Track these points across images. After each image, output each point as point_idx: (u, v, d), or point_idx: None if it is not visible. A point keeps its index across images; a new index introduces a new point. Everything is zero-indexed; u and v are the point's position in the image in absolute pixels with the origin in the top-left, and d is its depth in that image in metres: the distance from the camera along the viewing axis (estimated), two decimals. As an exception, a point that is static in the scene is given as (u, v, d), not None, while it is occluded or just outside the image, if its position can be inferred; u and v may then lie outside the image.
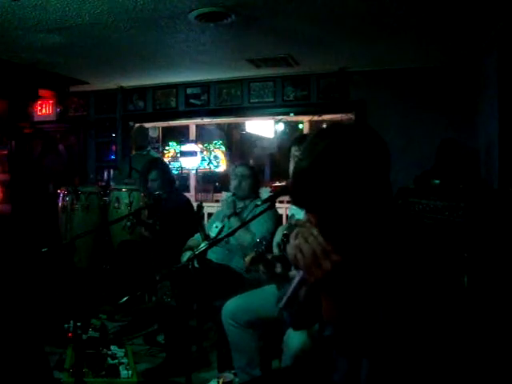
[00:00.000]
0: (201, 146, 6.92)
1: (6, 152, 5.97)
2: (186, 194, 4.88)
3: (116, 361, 2.70)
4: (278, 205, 4.51)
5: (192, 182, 6.97)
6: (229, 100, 5.67)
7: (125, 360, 2.72)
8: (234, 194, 3.25)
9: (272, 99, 5.49)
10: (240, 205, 3.24)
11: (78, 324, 2.55)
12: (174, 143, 6.96)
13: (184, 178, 7.02)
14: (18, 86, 5.31)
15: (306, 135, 2.46)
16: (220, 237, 2.73)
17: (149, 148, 5.32)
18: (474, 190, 3.19)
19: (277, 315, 1.16)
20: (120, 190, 4.41)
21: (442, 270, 1.11)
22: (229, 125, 8.21)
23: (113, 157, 6.22)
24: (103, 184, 5.45)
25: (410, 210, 3.07)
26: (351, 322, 1.06)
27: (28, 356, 2.07)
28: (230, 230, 2.45)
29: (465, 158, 4.12)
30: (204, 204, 4.18)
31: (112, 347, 2.86)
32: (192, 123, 6.69)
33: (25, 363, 2.03)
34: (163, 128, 6.89)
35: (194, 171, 6.90)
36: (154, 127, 6.45)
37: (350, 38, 4.03)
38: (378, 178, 1.11)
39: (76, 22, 3.58)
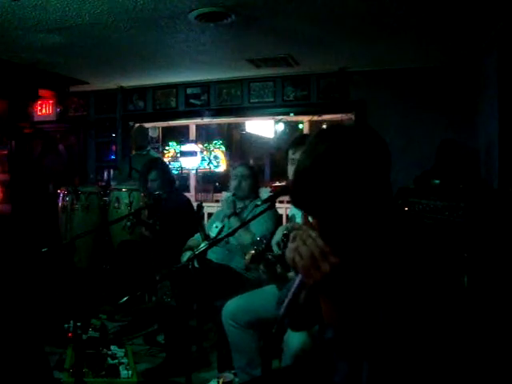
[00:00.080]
0: (201, 145, 6.92)
1: (5, 152, 5.97)
2: (186, 194, 4.88)
3: (116, 361, 2.70)
4: (277, 205, 4.51)
5: (192, 182, 6.97)
6: (229, 100, 5.67)
7: (125, 360, 2.73)
8: (233, 194, 3.25)
9: (272, 99, 5.49)
10: (240, 205, 3.24)
11: (78, 324, 2.55)
12: (174, 143, 6.96)
13: (184, 178, 7.02)
14: (17, 86, 5.31)
15: (302, 138, 2.44)
16: (220, 237, 2.73)
17: (149, 148, 5.32)
18: (473, 190, 3.19)
19: (278, 321, 1.15)
20: (120, 189, 4.41)
21: (442, 271, 1.11)
22: (229, 125, 8.22)
23: (113, 157, 6.22)
24: (103, 184, 5.45)
25: (410, 210, 3.07)
26: (351, 325, 1.06)
27: (28, 356, 2.07)
28: (230, 230, 2.45)
29: (465, 158, 4.13)
30: (204, 204, 4.18)
31: (112, 347, 2.86)
32: (192, 123, 6.69)
33: (25, 363, 2.03)
34: (163, 128, 6.89)
35: (194, 171, 6.90)
36: (153, 127, 6.45)
37: (350, 37, 4.03)
38: (379, 179, 1.11)
39: (76, 22, 3.58)
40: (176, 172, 6.66)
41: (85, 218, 4.33)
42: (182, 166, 6.81)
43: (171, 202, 3.75)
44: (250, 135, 8.05)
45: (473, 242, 2.67)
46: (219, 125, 7.68)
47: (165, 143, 6.95)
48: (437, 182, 3.63)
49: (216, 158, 7.00)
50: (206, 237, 3.18)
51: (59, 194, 4.45)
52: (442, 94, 4.79)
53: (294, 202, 1.17)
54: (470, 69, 4.65)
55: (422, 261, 1.10)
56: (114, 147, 6.20)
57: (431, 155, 4.07)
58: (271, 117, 6.37)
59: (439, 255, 1.14)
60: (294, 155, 2.36)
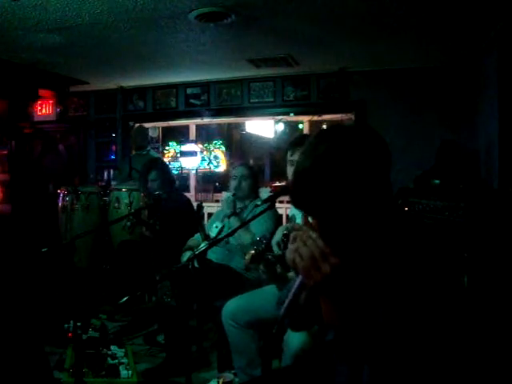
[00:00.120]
0: (201, 145, 6.92)
1: (5, 152, 5.96)
2: (186, 194, 4.88)
3: (116, 361, 2.70)
4: (277, 205, 4.51)
5: (192, 182, 6.97)
6: (229, 100, 5.67)
7: (125, 360, 2.73)
8: (233, 194, 3.25)
9: (272, 99, 5.49)
10: (240, 205, 3.24)
11: (78, 324, 2.56)
12: (174, 143, 6.96)
13: (184, 178, 7.02)
14: (18, 86, 5.31)
15: (300, 139, 2.43)
16: (220, 237, 2.73)
17: (149, 148, 5.32)
18: (474, 190, 3.19)
19: (278, 322, 1.15)
20: (120, 189, 4.41)
21: (442, 271, 1.11)
22: (229, 125, 8.22)
23: (113, 157, 6.22)
24: (103, 184, 5.45)
25: (410, 210, 3.07)
26: (351, 326, 1.06)
27: (28, 356, 2.07)
28: (230, 230, 2.45)
29: (465, 158, 4.12)
30: (204, 204, 4.18)
31: (112, 347, 2.86)
32: (192, 123, 6.69)
33: (25, 363, 2.03)
34: (163, 128, 6.89)
35: (194, 171, 6.90)
36: (153, 127, 6.45)
37: (350, 37, 4.03)
38: (379, 179, 1.11)
39: (76, 22, 3.58)
40: (176, 172, 6.66)
41: (85, 217, 4.33)
42: (182, 166, 6.81)
43: (171, 202, 3.75)
44: (250, 135, 8.05)
45: (473, 242, 2.67)
46: (219, 125, 7.68)
47: (165, 143, 6.95)
48: (437, 182, 3.63)
49: (216, 158, 7.00)
50: (206, 237, 3.18)
51: (59, 194, 4.45)
52: (442, 94, 4.79)
53: (294, 203, 1.17)
54: (470, 69, 4.65)
55: (422, 261, 1.10)
56: (114, 147, 6.20)
57: (431, 155, 4.07)
58: (271, 117, 6.37)
59: (439, 255, 1.14)
60: (292, 157, 2.36)
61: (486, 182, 3.98)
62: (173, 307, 2.87)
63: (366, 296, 1.08)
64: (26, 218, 5.36)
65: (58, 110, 6.38)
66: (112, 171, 6.08)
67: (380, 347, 1.04)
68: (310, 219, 1.24)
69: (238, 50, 4.43)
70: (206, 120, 6.33)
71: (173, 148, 6.92)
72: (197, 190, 6.92)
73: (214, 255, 3.09)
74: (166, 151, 6.90)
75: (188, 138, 6.84)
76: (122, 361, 2.71)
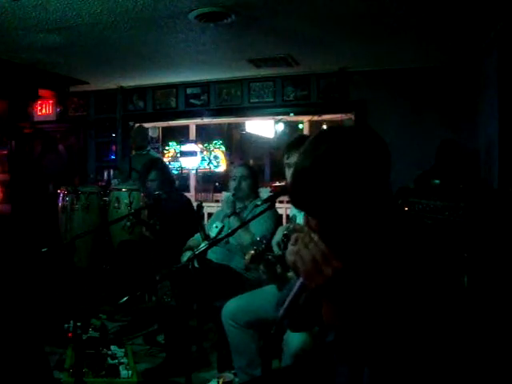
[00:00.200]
0: (201, 145, 6.92)
1: (5, 152, 5.96)
2: (186, 194, 4.88)
3: (116, 361, 2.70)
4: (277, 205, 4.51)
5: (192, 182, 6.97)
6: (229, 100, 5.67)
7: (125, 360, 2.73)
8: (233, 194, 3.25)
9: (272, 99, 5.49)
10: (240, 205, 3.24)
11: (78, 324, 2.56)
12: (174, 143, 6.96)
13: (184, 178, 7.03)
14: (18, 86, 5.31)
15: (296, 142, 2.42)
16: (220, 237, 2.73)
17: (148, 148, 5.32)
18: (474, 190, 3.19)
19: (277, 322, 1.15)
20: (120, 189, 4.41)
21: (442, 271, 1.11)
22: (229, 125, 8.22)
23: (113, 157, 6.22)
24: (103, 184, 5.45)
25: (410, 210, 3.07)
26: (352, 327, 1.06)
27: (28, 356, 2.07)
28: (230, 230, 2.45)
29: (465, 158, 4.13)
30: (204, 204, 4.19)
31: (112, 347, 2.86)
32: (192, 123, 6.69)
33: (25, 363, 2.03)
34: (163, 128, 6.89)
35: (194, 171, 6.91)
36: (153, 127, 6.45)
37: (350, 37, 4.03)
38: (379, 180, 1.11)
39: (76, 22, 3.58)
40: (176, 172, 6.66)
41: (85, 217, 4.33)
42: (182, 166, 6.82)
43: (171, 202, 3.75)
44: (250, 135, 8.05)
45: (473, 242, 2.67)
46: (219, 125, 7.68)
47: (165, 143, 6.96)
48: (437, 182, 3.63)
49: (216, 158, 7.00)
50: (206, 237, 3.18)
51: (59, 193, 4.45)
52: (442, 94, 4.79)
53: (293, 202, 1.17)
54: (470, 69, 4.65)
55: (422, 262, 1.09)
56: (114, 147, 6.21)
57: (431, 155, 4.07)
58: (271, 117, 6.37)
59: (439, 255, 1.13)
60: (289, 159, 2.36)
61: (486, 182, 3.98)
62: (173, 307, 2.87)
63: (366, 297, 1.08)
64: (26, 218, 5.35)
65: (58, 109, 6.38)
66: (112, 171, 6.08)
67: (380, 348, 1.04)
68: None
69: (238, 50, 4.43)
70: (206, 120, 6.33)
71: (173, 148, 6.92)
72: (197, 190, 6.92)
73: (213, 255, 3.09)
74: (166, 151, 6.90)
75: (188, 138, 6.84)
76: (122, 361, 2.71)
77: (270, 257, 1.92)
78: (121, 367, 2.62)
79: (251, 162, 8.62)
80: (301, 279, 1.08)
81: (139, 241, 3.92)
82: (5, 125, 5.87)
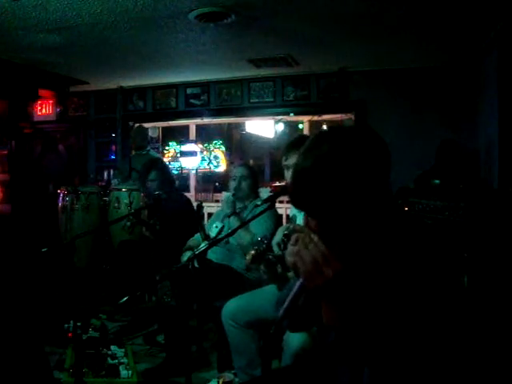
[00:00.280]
0: (201, 145, 6.92)
1: (5, 152, 5.95)
2: (186, 194, 4.88)
3: (116, 361, 2.70)
4: (277, 205, 4.51)
5: (192, 182, 6.97)
6: (229, 100, 5.67)
7: (125, 360, 2.73)
8: (233, 194, 3.25)
9: (272, 99, 5.49)
10: (240, 205, 3.24)
11: (78, 324, 2.56)
12: (174, 143, 6.97)
13: (184, 178, 7.03)
14: (18, 86, 5.31)
15: (293, 144, 2.40)
16: (220, 237, 2.73)
17: (148, 148, 5.32)
18: (474, 190, 3.19)
19: (276, 323, 1.15)
20: (120, 190, 4.41)
21: (442, 272, 1.11)
22: (229, 125, 8.22)
23: (113, 157, 6.22)
24: (103, 184, 5.46)
25: (410, 210, 3.07)
26: (351, 328, 1.05)
27: (28, 356, 2.07)
28: (230, 230, 2.45)
29: (465, 158, 4.13)
30: (204, 204, 4.19)
31: (112, 347, 2.86)
32: (192, 123, 6.69)
33: (25, 363, 2.03)
34: (163, 128, 6.89)
35: (194, 171, 6.91)
36: (153, 127, 6.46)
37: (349, 38, 4.03)
38: (379, 180, 1.11)
39: (76, 22, 3.58)
40: (176, 172, 6.67)
41: (85, 217, 4.33)
42: (182, 166, 6.82)
43: (171, 202, 3.75)
44: (250, 135, 8.05)
45: (473, 242, 2.67)
46: (219, 125, 7.68)
47: (165, 143, 6.96)
48: (437, 182, 3.63)
49: (216, 158, 7.00)
50: (206, 237, 3.18)
51: (59, 193, 4.45)
52: (442, 93, 4.79)
53: (294, 203, 1.17)
54: (470, 69, 4.65)
55: (422, 262, 1.09)
56: (114, 147, 6.20)
57: (431, 155, 4.07)
58: (271, 117, 6.37)
59: (439, 255, 1.13)
60: (287, 161, 2.36)
61: (486, 182, 3.98)
62: (173, 307, 2.87)
63: (366, 298, 1.08)
64: (26, 218, 5.35)
65: (58, 109, 6.38)
66: (112, 171, 6.08)
67: (380, 349, 1.04)
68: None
69: (238, 50, 4.43)
70: (206, 120, 6.33)
71: (173, 148, 6.93)
72: (197, 190, 6.93)
73: (214, 255, 3.09)
74: (166, 151, 6.91)
75: (188, 138, 6.85)
76: (122, 361, 2.71)
77: (270, 257, 1.92)
78: (121, 367, 2.63)
79: (251, 162, 8.62)
80: (300, 280, 1.08)
81: (139, 241, 3.92)
82: (5, 125, 5.86)
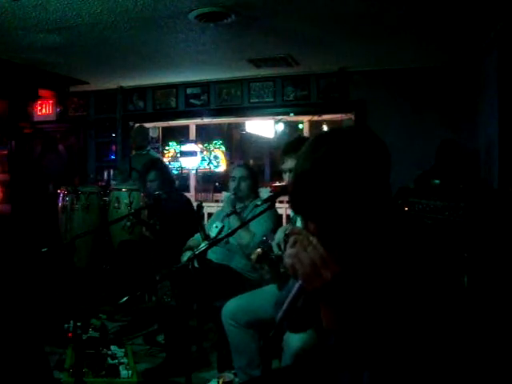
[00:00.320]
0: (201, 145, 6.92)
1: (6, 152, 5.95)
2: (186, 194, 4.88)
3: (116, 361, 2.70)
4: (277, 205, 4.51)
5: (192, 182, 6.97)
6: (229, 100, 5.67)
7: (125, 360, 2.73)
8: (234, 194, 3.24)
9: (272, 99, 5.49)
10: (240, 205, 3.25)
11: (78, 324, 2.56)
12: (174, 143, 6.97)
13: (184, 178, 7.03)
14: (18, 86, 5.31)
15: (289, 147, 2.39)
16: (220, 237, 2.73)
17: (148, 148, 5.32)
18: (474, 190, 3.19)
19: (275, 325, 1.15)
20: (120, 189, 4.41)
21: (442, 273, 1.10)
22: (229, 125, 8.22)
23: (113, 157, 6.22)
24: (103, 184, 5.46)
25: (410, 210, 3.07)
26: (351, 331, 1.05)
27: (28, 356, 2.07)
28: (230, 230, 2.45)
29: (465, 158, 4.13)
30: (204, 204, 4.19)
31: (112, 347, 2.86)
32: (192, 123, 6.69)
33: (25, 363, 2.03)
34: (163, 128, 6.89)
35: (194, 171, 6.91)
36: (153, 127, 6.46)
37: (349, 38, 4.03)
38: (379, 182, 1.10)
39: (76, 22, 3.58)
40: (176, 172, 6.67)
41: (85, 217, 4.33)
42: (182, 166, 6.82)
43: (171, 202, 3.75)
44: (250, 135, 8.05)
45: (473, 241, 2.67)
46: (219, 125, 7.68)
47: (165, 143, 6.96)
48: (437, 182, 3.63)
49: (216, 158, 7.00)
50: (206, 237, 3.18)
51: (59, 194, 4.45)
52: (442, 93, 4.79)
53: (293, 207, 1.16)
54: (470, 69, 4.65)
55: (422, 264, 1.09)
56: (114, 147, 6.20)
57: (431, 155, 4.07)
58: (271, 117, 6.37)
59: (439, 256, 1.13)
60: (284, 165, 2.36)
61: (486, 182, 3.98)
62: (173, 307, 2.87)
63: (365, 301, 1.08)
64: (26, 218, 5.35)
65: (58, 109, 6.38)
66: (112, 171, 6.08)
67: (380, 352, 1.04)
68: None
69: (238, 50, 4.43)
70: (206, 120, 6.33)
71: (173, 148, 6.93)
72: (197, 190, 6.93)
73: (214, 255, 3.10)
74: (166, 151, 6.91)
75: (188, 138, 6.85)
76: (122, 361, 2.71)
77: (273, 257, 1.92)
78: (121, 367, 2.63)
79: (251, 162, 8.62)
80: (299, 282, 1.07)
81: (139, 241, 3.92)
82: (5, 125, 5.86)
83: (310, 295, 1.09)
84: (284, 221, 5.15)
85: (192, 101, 5.83)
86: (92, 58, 4.68)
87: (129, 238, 3.96)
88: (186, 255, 3.14)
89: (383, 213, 1.12)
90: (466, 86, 4.69)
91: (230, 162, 7.10)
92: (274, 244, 2.07)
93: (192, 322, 3.15)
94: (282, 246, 1.96)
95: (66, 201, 4.37)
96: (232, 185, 3.26)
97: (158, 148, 6.55)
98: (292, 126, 7.01)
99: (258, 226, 2.92)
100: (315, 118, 6.19)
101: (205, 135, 7.37)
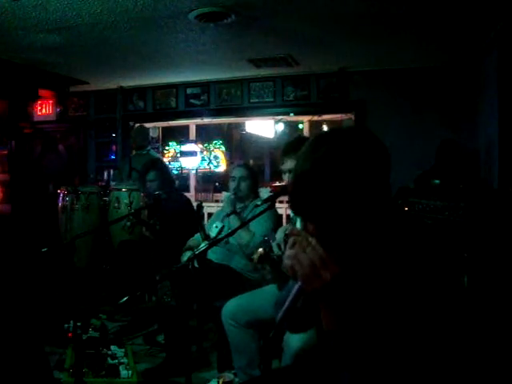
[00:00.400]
0: (201, 145, 6.92)
1: (6, 152, 5.96)
2: (186, 194, 4.88)
3: (116, 361, 2.70)
4: (277, 205, 4.51)
5: (192, 182, 6.97)
6: (229, 100, 5.67)
7: (125, 360, 2.73)
8: (235, 194, 3.24)
9: (272, 99, 5.49)
10: (240, 205, 3.25)
11: (78, 324, 2.56)
12: (174, 143, 6.96)
13: (184, 178, 7.02)
14: (18, 86, 5.31)
15: (291, 147, 2.40)
16: (220, 237, 2.73)
17: (149, 148, 5.32)
18: (474, 190, 3.19)
19: (275, 326, 1.15)
20: (120, 189, 4.41)
21: (442, 273, 1.10)
22: (229, 125, 8.22)
23: (113, 157, 6.22)
24: (103, 184, 5.45)
25: (410, 210, 3.07)
26: (350, 332, 1.05)
27: (28, 356, 2.07)
28: (230, 230, 2.45)
29: (465, 158, 4.13)
30: (204, 204, 4.18)
31: (112, 347, 2.86)
32: (192, 123, 6.69)
33: (25, 363, 2.03)
34: (163, 128, 6.89)
35: (194, 171, 6.90)
36: (153, 127, 6.45)
37: (349, 38, 4.03)
38: (379, 182, 1.10)
39: (76, 22, 3.58)
40: (176, 172, 6.66)
41: (85, 217, 4.33)
42: (182, 166, 6.81)
43: (171, 202, 3.75)
44: (250, 135, 8.05)
45: (473, 241, 2.67)
46: (219, 125, 7.68)
47: (165, 143, 6.95)
48: (437, 181, 3.63)
49: (216, 158, 7.00)
50: (206, 237, 3.18)
51: (59, 193, 4.45)
52: (442, 93, 4.79)
53: (293, 207, 1.16)
54: (470, 69, 4.65)
55: (421, 264, 1.08)
56: (114, 147, 6.20)
57: (431, 155, 4.07)
58: (271, 117, 6.37)
59: (439, 256, 1.13)
60: (284, 165, 2.37)
61: (486, 182, 3.98)
62: (173, 307, 2.87)
63: (365, 302, 1.07)
64: (26, 218, 5.35)
65: (58, 109, 6.38)
66: (112, 171, 6.08)
67: (380, 353, 1.04)
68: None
69: (238, 50, 4.43)
70: (206, 120, 6.33)
71: (173, 148, 6.92)
72: (197, 190, 6.92)
73: (214, 255, 3.09)
74: (166, 151, 6.90)
75: (188, 138, 6.84)
76: (122, 361, 2.71)
77: (275, 257, 1.92)
78: (121, 367, 2.63)
79: (251, 162, 8.61)
80: (299, 283, 1.07)
81: (139, 241, 3.92)
82: (5, 125, 5.86)
83: (310, 296, 1.09)
84: (284, 221, 5.15)
85: (192, 101, 5.83)
86: (92, 58, 4.68)
87: (129, 237, 3.96)
88: (186, 255, 3.14)
89: (383, 213, 1.12)
90: (466, 86, 4.69)
91: (230, 162, 7.09)
92: (273, 244, 2.07)
93: (192, 322, 3.15)
94: (282, 246, 1.96)
95: (66, 201, 4.37)
96: (232, 185, 3.26)
97: (157, 148, 6.55)
98: (292, 126, 7.01)
99: (258, 226, 2.92)
100: (315, 117, 6.18)
101: (205, 135, 7.37)
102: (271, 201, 2.43)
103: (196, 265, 2.60)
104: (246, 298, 2.57)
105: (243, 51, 4.47)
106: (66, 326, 3.03)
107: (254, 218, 2.40)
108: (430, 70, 4.83)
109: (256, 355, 2.49)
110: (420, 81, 4.88)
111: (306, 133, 6.35)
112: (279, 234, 2.10)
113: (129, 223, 3.80)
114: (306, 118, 6.34)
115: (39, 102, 6.34)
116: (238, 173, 3.28)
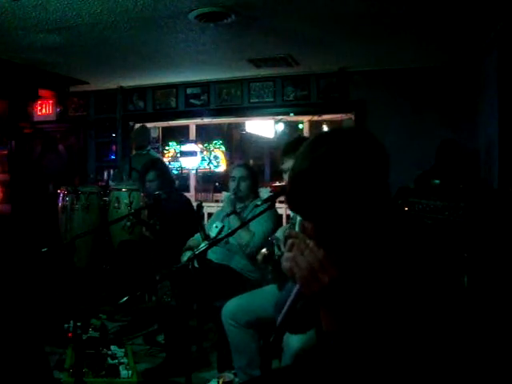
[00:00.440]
0: (201, 145, 6.92)
1: (6, 152, 5.96)
2: (186, 194, 4.88)
3: (116, 361, 2.70)
4: (277, 205, 4.51)
5: (192, 182, 6.97)
6: (229, 100, 5.67)
7: (125, 360, 2.73)
8: (235, 193, 3.24)
9: (272, 99, 5.49)
10: (240, 205, 3.25)
11: (78, 324, 2.56)
12: (174, 143, 6.96)
13: (184, 178, 7.02)
14: (18, 86, 5.31)
15: (288, 148, 2.39)
16: (220, 237, 2.73)
17: (149, 148, 5.32)
18: (473, 190, 3.19)
19: (275, 330, 1.15)
20: (120, 189, 4.41)
21: (441, 273, 1.10)
22: (229, 125, 8.22)
23: (113, 157, 6.22)
24: (103, 184, 5.45)
25: (410, 210, 3.07)
26: (350, 334, 1.05)
27: (28, 356, 2.07)
28: (230, 230, 2.45)
29: (465, 158, 4.13)
30: (204, 204, 4.18)
31: (112, 347, 2.86)
32: (192, 123, 6.69)
33: (25, 363, 2.03)
34: (163, 128, 6.89)
35: (194, 171, 6.90)
36: (153, 127, 6.45)
37: (349, 38, 4.03)
38: (377, 182, 1.10)
39: (76, 22, 3.58)
40: (176, 172, 6.66)
41: (85, 217, 4.33)
42: (182, 166, 6.81)
43: (171, 202, 3.75)
44: (250, 135, 8.05)
45: (473, 242, 2.67)
46: (219, 125, 7.68)
47: (165, 143, 6.95)
48: (437, 182, 3.63)
49: (216, 158, 7.00)
50: (206, 237, 3.18)
51: (59, 194, 4.45)
52: (442, 93, 4.79)
53: (291, 206, 1.16)
54: (470, 69, 4.65)
55: (421, 265, 1.08)
56: (114, 147, 6.20)
57: (431, 155, 4.07)
58: (271, 117, 6.37)
59: (439, 256, 1.13)
60: (284, 165, 2.37)
61: (486, 182, 3.98)
62: (173, 307, 2.87)
63: (364, 302, 1.07)
64: (26, 218, 5.35)
65: (58, 109, 6.38)
66: (112, 171, 6.08)
67: (380, 354, 1.04)
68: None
69: (238, 50, 4.43)
70: (206, 120, 6.33)
71: (173, 148, 6.92)
72: (197, 190, 6.92)
73: (214, 255, 3.10)
74: (166, 151, 6.90)
75: (188, 138, 6.84)
76: (122, 361, 2.71)
77: (276, 257, 1.93)
78: (121, 367, 2.63)
79: (251, 162, 8.61)
80: (298, 286, 1.07)
81: (139, 241, 3.92)
82: (5, 125, 5.86)
83: (309, 299, 1.09)
84: (284, 221, 5.15)
85: (192, 101, 5.83)
86: (92, 58, 4.68)
87: (129, 237, 3.96)
88: (186, 255, 3.15)
89: (382, 213, 1.12)
90: (466, 85, 4.69)
91: (229, 162, 7.09)
92: (276, 244, 2.08)
93: (192, 322, 3.15)
94: (282, 247, 1.96)
95: (66, 201, 4.37)
96: (232, 185, 3.26)
97: (158, 148, 6.55)
98: (292, 126, 7.01)
99: (258, 226, 2.92)
100: (315, 118, 6.18)
101: (205, 135, 7.37)
102: (271, 201, 2.43)
103: (196, 265, 2.61)
104: (246, 297, 2.57)
105: (243, 51, 4.47)
106: (66, 326, 3.03)
107: (254, 218, 2.40)
108: (430, 69, 4.83)
109: (256, 355, 2.49)
110: (420, 81, 4.88)
111: (306, 133, 6.35)
112: (279, 234, 2.10)
113: (129, 223, 3.80)
114: (305, 118, 6.34)
115: (39, 102, 6.35)
116: (237, 173, 3.28)
